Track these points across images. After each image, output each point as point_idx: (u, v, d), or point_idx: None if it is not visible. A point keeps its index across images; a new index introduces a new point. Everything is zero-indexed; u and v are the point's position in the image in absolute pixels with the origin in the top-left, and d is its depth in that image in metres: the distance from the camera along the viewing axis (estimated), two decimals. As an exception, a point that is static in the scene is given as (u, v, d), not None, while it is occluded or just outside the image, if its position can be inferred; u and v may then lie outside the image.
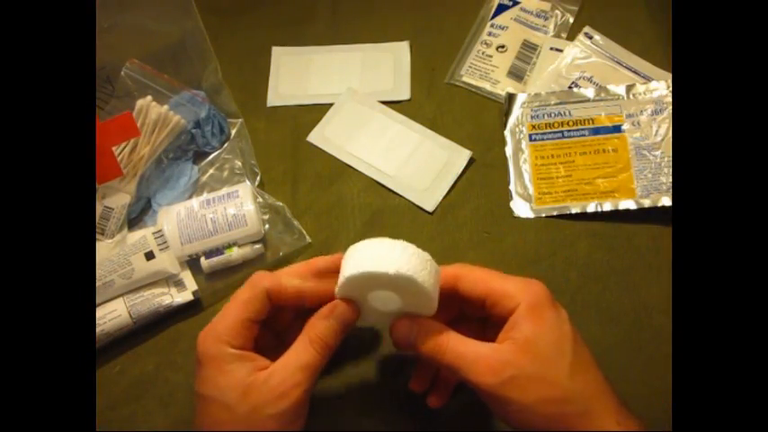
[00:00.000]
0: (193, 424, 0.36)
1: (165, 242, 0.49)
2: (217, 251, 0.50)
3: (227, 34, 0.65)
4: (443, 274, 0.37)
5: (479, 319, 0.40)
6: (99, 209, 0.51)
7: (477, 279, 0.37)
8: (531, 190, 0.54)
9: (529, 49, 0.62)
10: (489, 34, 0.63)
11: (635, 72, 0.59)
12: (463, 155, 0.56)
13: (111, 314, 0.47)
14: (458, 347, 0.35)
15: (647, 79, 0.58)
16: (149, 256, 0.48)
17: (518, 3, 0.65)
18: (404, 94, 0.60)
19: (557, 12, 0.64)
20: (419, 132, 0.57)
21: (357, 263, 0.35)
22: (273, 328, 0.41)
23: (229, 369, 0.34)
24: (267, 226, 0.52)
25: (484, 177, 0.55)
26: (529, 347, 0.33)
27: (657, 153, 0.53)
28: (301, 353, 0.35)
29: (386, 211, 0.54)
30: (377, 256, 0.34)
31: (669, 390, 0.43)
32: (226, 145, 0.56)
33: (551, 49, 0.61)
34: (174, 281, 0.49)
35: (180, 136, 0.54)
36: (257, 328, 0.37)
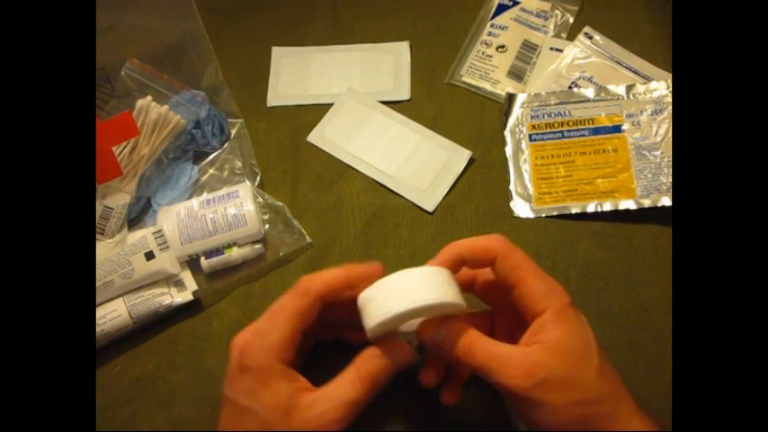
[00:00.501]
0: (218, 425, 0.36)
1: (165, 242, 0.49)
2: (217, 251, 0.50)
3: (227, 34, 0.65)
4: (481, 245, 0.37)
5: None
6: (99, 209, 0.51)
7: (514, 266, 0.37)
8: (531, 190, 0.54)
9: (529, 49, 0.62)
10: (489, 34, 0.63)
11: (635, 72, 0.59)
12: (463, 155, 0.56)
13: (111, 314, 0.47)
14: (488, 349, 0.35)
15: (647, 79, 0.58)
16: (149, 256, 0.48)
17: (518, 3, 0.65)
18: (404, 94, 0.60)
19: (557, 12, 0.64)
20: (419, 132, 0.57)
21: (374, 315, 0.35)
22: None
23: (274, 385, 0.34)
24: (267, 226, 0.52)
25: (484, 177, 0.55)
26: (559, 351, 0.34)
27: (657, 153, 0.53)
28: (349, 387, 0.35)
29: (386, 211, 0.54)
30: (404, 295, 0.35)
31: (669, 390, 0.43)
32: (226, 145, 0.56)
33: (551, 49, 0.61)
34: (174, 281, 0.49)
35: (180, 136, 0.54)
36: (303, 337, 0.37)
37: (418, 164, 0.56)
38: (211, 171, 0.56)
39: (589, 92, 0.57)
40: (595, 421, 0.33)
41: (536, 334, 0.35)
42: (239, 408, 0.34)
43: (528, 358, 0.34)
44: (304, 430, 0.33)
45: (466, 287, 0.41)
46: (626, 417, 0.33)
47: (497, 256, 0.37)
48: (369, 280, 0.37)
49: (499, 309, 0.41)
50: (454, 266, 0.38)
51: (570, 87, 0.58)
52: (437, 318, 0.37)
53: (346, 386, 0.35)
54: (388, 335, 0.38)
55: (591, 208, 0.52)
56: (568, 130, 0.56)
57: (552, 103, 0.57)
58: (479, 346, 0.35)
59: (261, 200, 0.53)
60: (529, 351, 0.34)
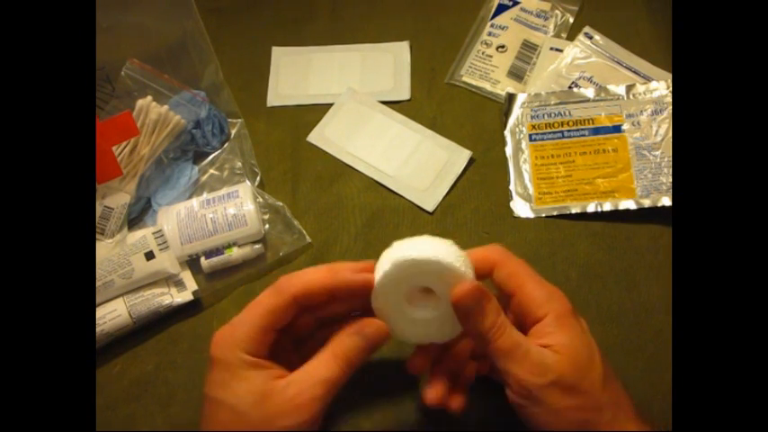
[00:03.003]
0: (200, 426, 0.35)
1: (165, 242, 0.49)
2: (217, 251, 0.50)
3: (227, 34, 0.65)
4: (479, 256, 0.37)
5: None
6: (99, 209, 0.51)
7: (512, 273, 0.36)
8: (531, 190, 0.54)
9: (529, 49, 0.62)
10: (489, 34, 0.63)
11: (635, 72, 0.59)
12: (463, 155, 0.56)
13: (111, 314, 0.47)
14: (513, 336, 0.34)
15: (647, 79, 0.58)
16: (149, 255, 0.48)
17: (518, 3, 0.65)
18: (404, 94, 0.60)
19: (557, 12, 0.64)
20: (419, 132, 0.57)
21: (402, 252, 0.34)
22: (292, 334, 0.39)
23: (245, 376, 0.34)
24: (267, 226, 0.52)
25: (484, 177, 0.55)
26: (569, 356, 0.34)
27: (657, 153, 0.53)
28: (323, 366, 0.34)
29: (386, 211, 0.54)
30: (424, 248, 0.34)
31: (669, 390, 0.43)
32: (226, 145, 0.56)
33: (551, 49, 0.61)
34: (174, 281, 0.49)
35: (180, 136, 0.54)
36: (277, 334, 0.36)
37: (418, 164, 0.56)
38: (211, 171, 0.56)
39: (589, 92, 0.57)
40: (594, 428, 0.33)
41: (538, 338, 0.34)
42: (210, 400, 0.34)
43: (542, 357, 0.34)
44: (280, 414, 0.32)
45: None
46: (623, 425, 0.33)
47: (495, 265, 0.37)
48: (357, 293, 0.36)
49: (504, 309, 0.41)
50: None
51: (570, 87, 0.58)
52: (475, 283, 0.35)
53: (321, 365, 0.34)
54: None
55: (591, 208, 0.52)
56: (568, 130, 0.56)
57: (552, 103, 0.57)
58: (507, 330, 0.34)
59: (261, 200, 0.53)
60: (543, 351, 0.34)
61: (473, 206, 0.54)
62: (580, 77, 0.59)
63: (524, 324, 0.36)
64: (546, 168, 0.54)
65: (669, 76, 0.58)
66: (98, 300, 0.47)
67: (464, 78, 0.61)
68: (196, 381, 0.46)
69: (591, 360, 0.34)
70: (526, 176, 0.55)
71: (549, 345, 0.34)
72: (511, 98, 0.58)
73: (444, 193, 0.54)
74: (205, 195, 0.53)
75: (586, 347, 0.34)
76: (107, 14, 0.51)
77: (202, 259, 0.50)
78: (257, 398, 0.33)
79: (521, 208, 0.53)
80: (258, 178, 0.55)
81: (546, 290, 0.36)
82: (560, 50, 0.61)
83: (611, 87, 0.56)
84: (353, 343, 0.35)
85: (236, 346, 0.34)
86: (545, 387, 0.33)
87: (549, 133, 0.56)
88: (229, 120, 0.57)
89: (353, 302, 0.38)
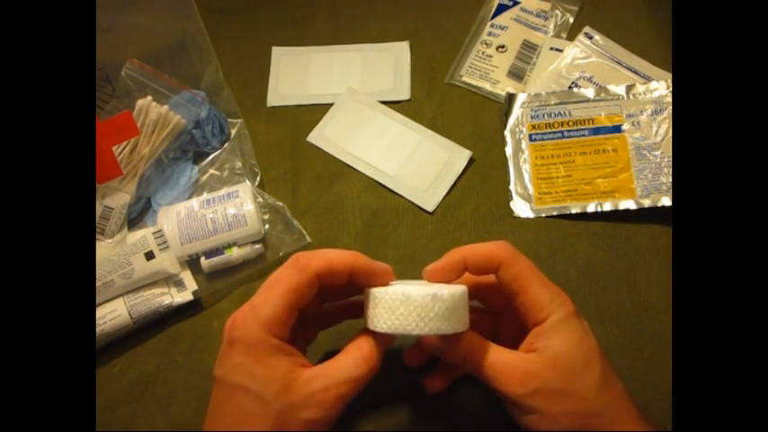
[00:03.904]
0: (210, 410, 0.34)
1: (165, 242, 0.49)
2: (217, 251, 0.50)
3: (227, 34, 0.65)
4: (485, 254, 0.37)
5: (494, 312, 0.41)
6: (99, 209, 0.51)
7: (517, 275, 0.36)
8: (531, 190, 0.54)
9: (529, 49, 0.62)
10: (489, 34, 0.63)
11: (635, 72, 0.59)
12: (463, 155, 0.56)
13: (111, 314, 0.47)
14: (487, 356, 0.35)
15: (647, 79, 0.58)
16: (149, 255, 0.48)
17: (518, 3, 0.65)
18: (404, 94, 0.60)
19: (557, 12, 0.64)
20: (419, 132, 0.57)
21: (390, 321, 0.34)
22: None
23: (269, 360, 0.32)
24: (267, 226, 0.52)
25: (484, 177, 0.55)
26: (556, 362, 0.34)
27: (657, 153, 0.53)
28: (351, 364, 0.34)
29: (386, 211, 0.54)
30: (408, 314, 0.33)
31: (669, 390, 0.43)
32: (226, 145, 0.56)
33: (551, 49, 0.61)
34: (174, 281, 0.49)
35: (180, 136, 0.54)
36: (298, 314, 0.35)
37: (418, 164, 0.56)
38: (211, 171, 0.56)
39: (589, 92, 0.57)
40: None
41: (535, 341, 0.35)
42: (230, 386, 0.33)
43: (524, 366, 0.34)
44: (303, 406, 0.32)
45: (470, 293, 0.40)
46: (624, 427, 0.33)
47: (501, 263, 0.36)
48: (375, 278, 0.36)
49: (503, 312, 0.41)
50: (457, 272, 0.37)
51: (570, 87, 0.58)
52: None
53: (349, 363, 0.34)
54: None
55: (591, 208, 0.52)
56: (568, 130, 0.56)
57: (552, 103, 0.57)
58: (479, 353, 0.35)
59: (261, 200, 0.53)
60: (526, 359, 0.34)
61: (473, 206, 0.54)
62: (580, 77, 0.59)
63: (526, 324, 0.36)
64: (546, 168, 0.54)
65: (669, 76, 0.58)
66: (98, 300, 0.47)
67: (464, 78, 0.61)
68: (196, 381, 0.46)
69: (586, 364, 0.34)
70: (526, 176, 0.55)
71: (541, 349, 0.34)
72: (511, 98, 0.58)
73: (444, 193, 0.54)
74: (205, 195, 0.53)
75: (583, 351, 0.34)
76: (107, 14, 0.51)
77: (202, 259, 0.50)
78: (281, 387, 0.32)
79: (521, 208, 0.53)
80: (258, 178, 0.55)
81: (549, 292, 0.36)
82: (560, 50, 0.61)
83: (611, 87, 0.56)
84: (377, 346, 0.35)
85: (262, 327, 0.33)
86: (530, 395, 0.33)
87: (549, 133, 0.56)
88: (229, 120, 0.57)
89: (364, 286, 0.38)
